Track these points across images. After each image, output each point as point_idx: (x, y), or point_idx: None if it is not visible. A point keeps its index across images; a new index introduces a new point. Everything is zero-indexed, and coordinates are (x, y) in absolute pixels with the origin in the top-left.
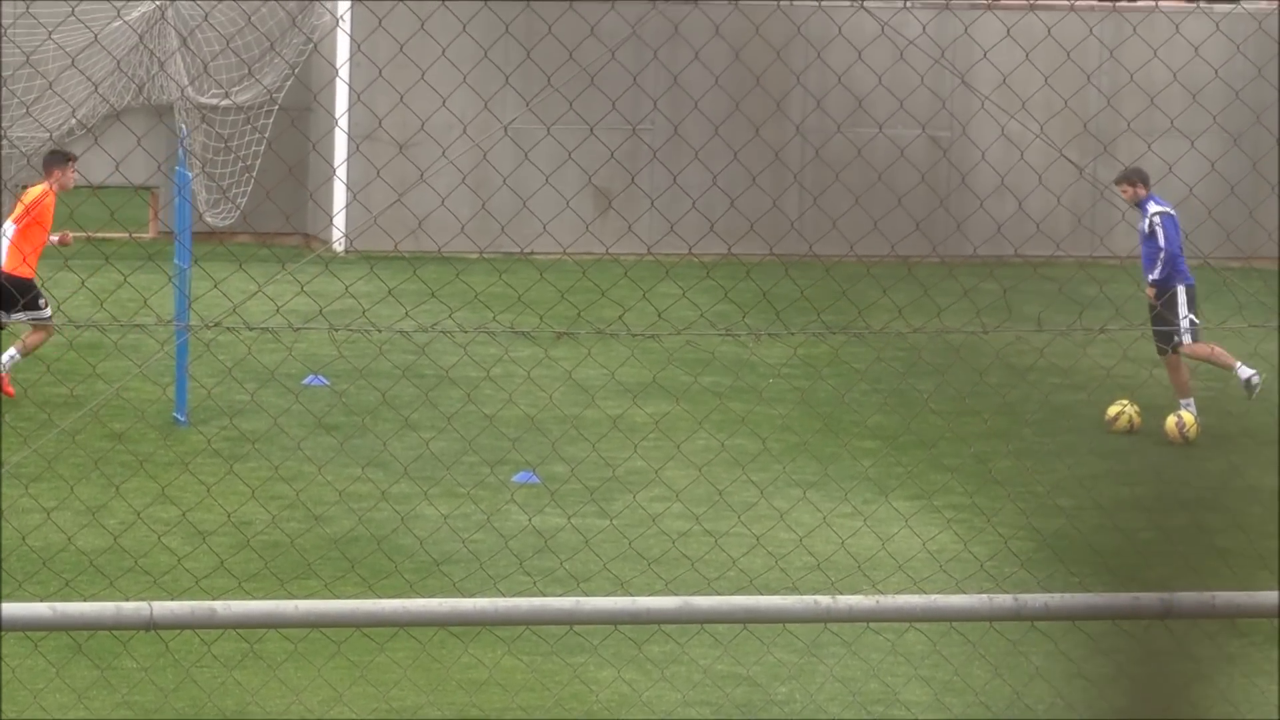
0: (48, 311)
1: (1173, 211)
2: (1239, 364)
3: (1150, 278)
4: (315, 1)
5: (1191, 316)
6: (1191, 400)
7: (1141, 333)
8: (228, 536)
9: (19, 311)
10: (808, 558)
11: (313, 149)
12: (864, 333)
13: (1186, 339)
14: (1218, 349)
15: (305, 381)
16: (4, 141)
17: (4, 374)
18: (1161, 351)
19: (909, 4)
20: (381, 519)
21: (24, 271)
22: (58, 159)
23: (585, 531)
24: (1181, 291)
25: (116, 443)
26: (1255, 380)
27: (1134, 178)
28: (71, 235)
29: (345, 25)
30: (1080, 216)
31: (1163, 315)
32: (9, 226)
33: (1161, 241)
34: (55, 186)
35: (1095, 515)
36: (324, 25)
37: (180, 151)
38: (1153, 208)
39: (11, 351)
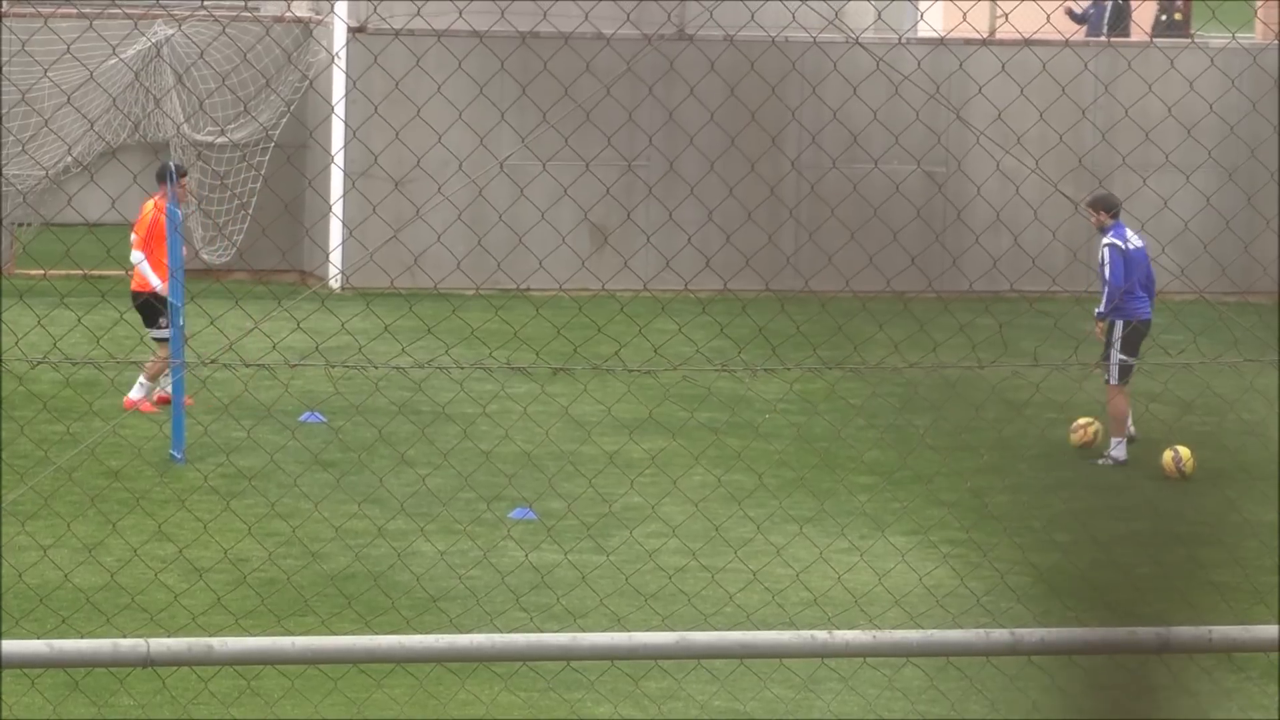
0: (165, 331)
1: (1129, 244)
2: (1121, 441)
3: (1097, 310)
4: (311, 39)
5: (1123, 356)
6: (1123, 441)
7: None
8: (224, 573)
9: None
10: (804, 593)
11: (309, 186)
12: (860, 368)
13: (1112, 377)
14: (1122, 411)
15: (302, 418)
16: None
17: (158, 393)
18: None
19: (905, 40)
20: (378, 555)
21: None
22: (166, 174)
23: (582, 567)
24: (1119, 326)
25: (113, 480)
26: (1115, 459)
27: (1097, 204)
28: None
29: (341, 62)
30: (1076, 251)
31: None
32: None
33: (1107, 274)
34: (165, 200)
35: (1092, 550)
36: (319, 62)
37: (171, 190)
38: (1105, 239)
39: (140, 381)
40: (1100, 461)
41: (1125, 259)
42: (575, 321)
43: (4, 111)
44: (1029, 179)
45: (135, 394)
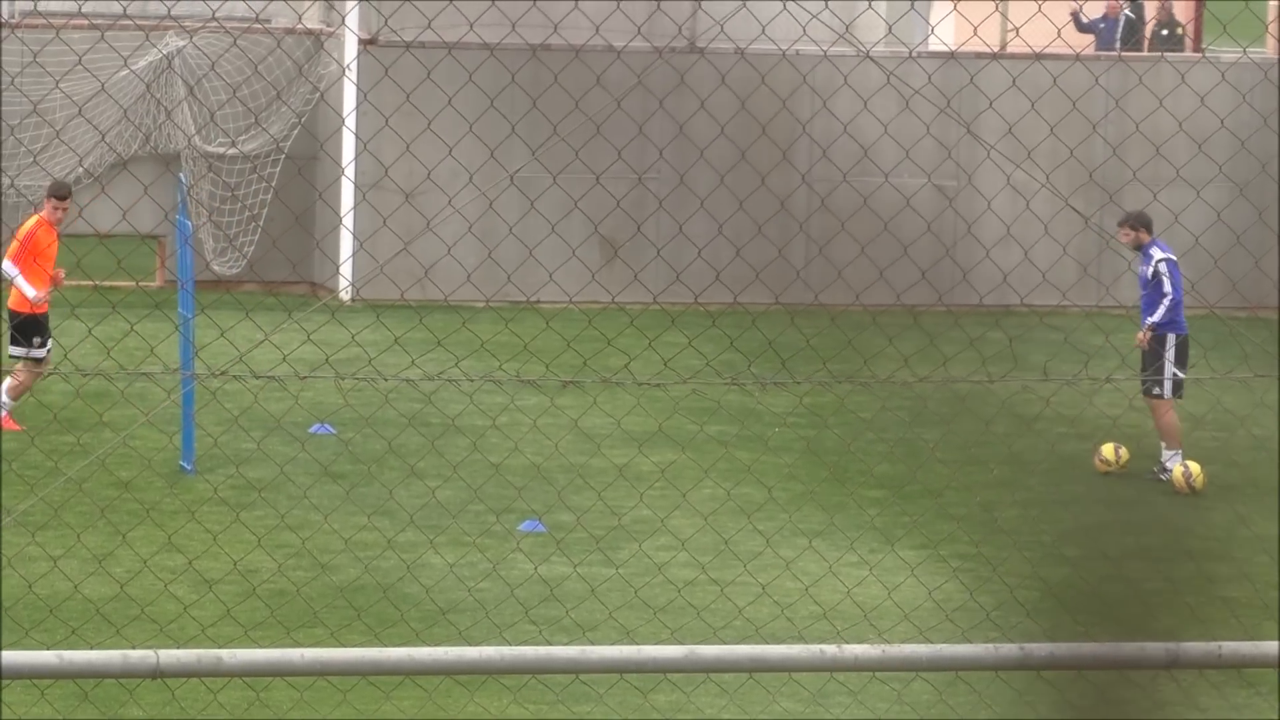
0: (40, 351)
1: (1175, 258)
2: (1176, 453)
3: (1150, 319)
4: (322, 51)
5: (1177, 371)
6: (1178, 452)
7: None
8: (234, 585)
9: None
10: (814, 607)
11: (319, 198)
12: (870, 382)
13: (1166, 391)
14: (1175, 424)
15: (312, 430)
16: (11, 190)
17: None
18: (1146, 394)
19: (915, 53)
20: (387, 567)
21: (25, 306)
22: (61, 189)
23: (591, 580)
24: (1171, 340)
25: (123, 491)
26: (1164, 475)
27: (1136, 222)
28: (62, 272)
29: (352, 74)
30: (1086, 266)
31: (1149, 360)
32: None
33: (1167, 288)
34: (50, 220)
35: (1102, 565)
36: (330, 74)
37: (181, 200)
38: (1157, 254)
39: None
40: (1160, 474)
41: (1179, 273)
42: (585, 334)
43: (16, 123)
44: (1039, 193)
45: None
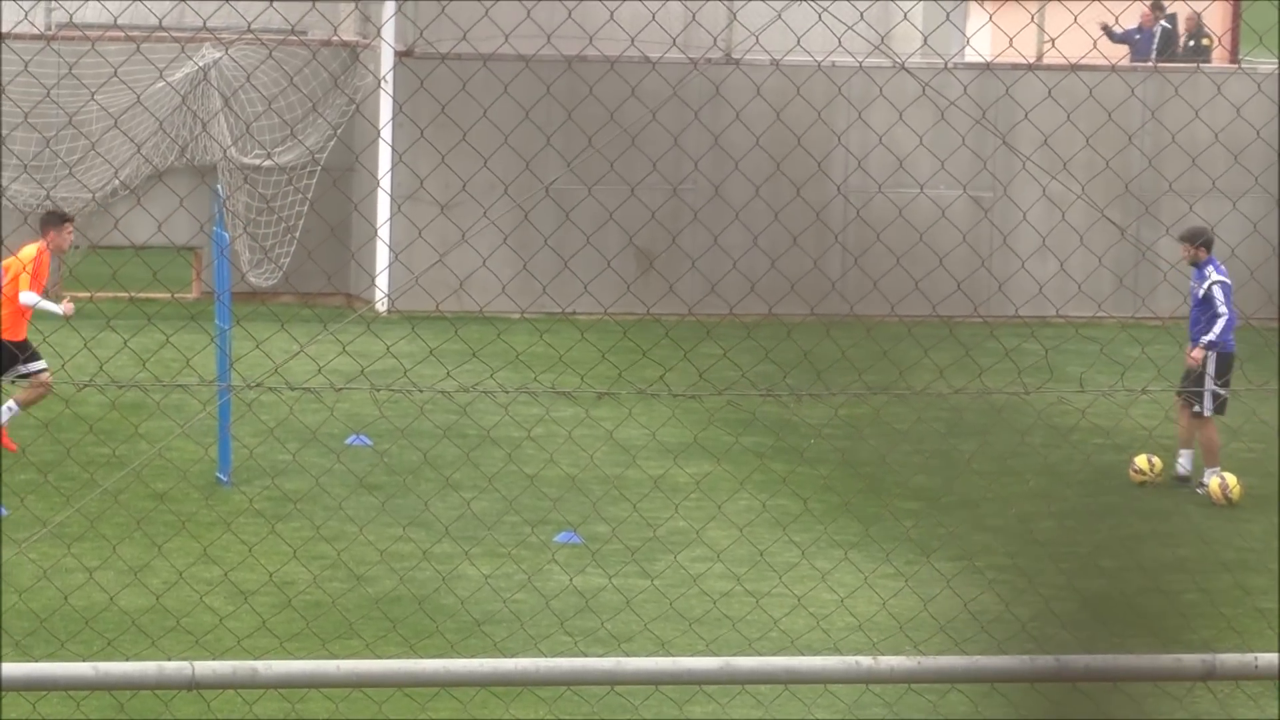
0: (40, 364)
1: (1229, 281)
2: (1215, 470)
3: (1206, 338)
4: (358, 63)
5: (1217, 389)
6: (1217, 469)
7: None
8: (270, 596)
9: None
10: (849, 618)
11: (355, 209)
12: (906, 393)
13: (1207, 408)
14: (1216, 441)
15: (347, 441)
16: (48, 201)
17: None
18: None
19: (951, 65)
20: (423, 579)
21: (15, 335)
22: (53, 220)
23: (627, 592)
24: (1212, 357)
25: (159, 503)
26: (1200, 489)
27: (1198, 239)
28: (73, 306)
29: (387, 86)
30: (1122, 277)
31: (1196, 376)
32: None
33: (1222, 309)
34: (51, 247)
35: (1138, 577)
36: (366, 86)
37: (218, 212)
38: (1211, 274)
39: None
40: (1198, 488)
41: (1229, 290)
42: (620, 345)
43: (53, 135)
44: (1075, 204)
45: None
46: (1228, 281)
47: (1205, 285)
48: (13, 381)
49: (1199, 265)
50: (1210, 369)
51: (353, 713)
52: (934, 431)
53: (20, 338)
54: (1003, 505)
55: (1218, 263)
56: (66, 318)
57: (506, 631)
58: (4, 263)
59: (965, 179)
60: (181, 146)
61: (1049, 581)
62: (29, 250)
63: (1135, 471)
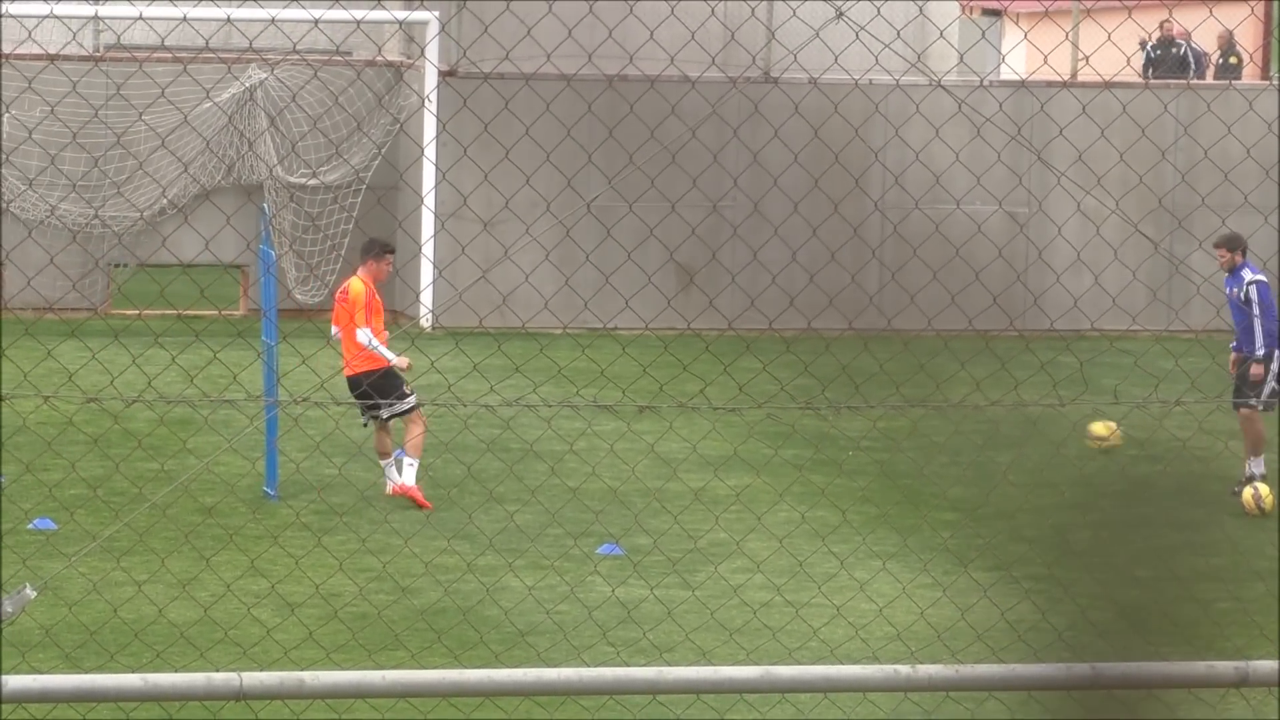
0: (411, 400)
1: (1265, 279)
2: (1259, 459)
3: (1259, 352)
4: (402, 83)
5: (1275, 385)
6: (1261, 459)
7: (1218, 404)
8: (316, 608)
9: (385, 410)
10: (888, 628)
11: (399, 227)
12: (943, 406)
13: (1259, 404)
14: (1262, 435)
15: (393, 455)
16: (96, 220)
17: (410, 487)
18: (1237, 407)
19: (987, 82)
20: (468, 590)
21: (364, 366)
22: (374, 249)
23: (668, 602)
24: (1276, 358)
25: (207, 516)
26: (1237, 489)
27: (1233, 243)
28: (409, 362)
29: (431, 105)
30: (1156, 290)
31: (1245, 377)
32: (334, 331)
33: (1256, 310)
34: (369, 277)
35: (1173, 586)
36: (410, 105)
37: (264, 230)
38: (1248, 275)
39: (403, 459)
40: (1235, 488)
41: (1269, 289)
42: (661, 360)
43: (100, 155)
44: (1109, 219)
45: (409, 477)
46: (1264, 279)
47: (1245, 286)
48: (384, 419)
49: (1235, 269)
50: (1275, 366)
51: None
52: (971, 444)
53: (377, 367)
54: (1039, 516)
55: (1253, 265)
56: (404, 369)
57: (550, 642)
58: (343, 299)
59: (1001, 195)
60: (228, 166)
61: (1085, 591)
62: (357, 286)
63: (1093, 439)
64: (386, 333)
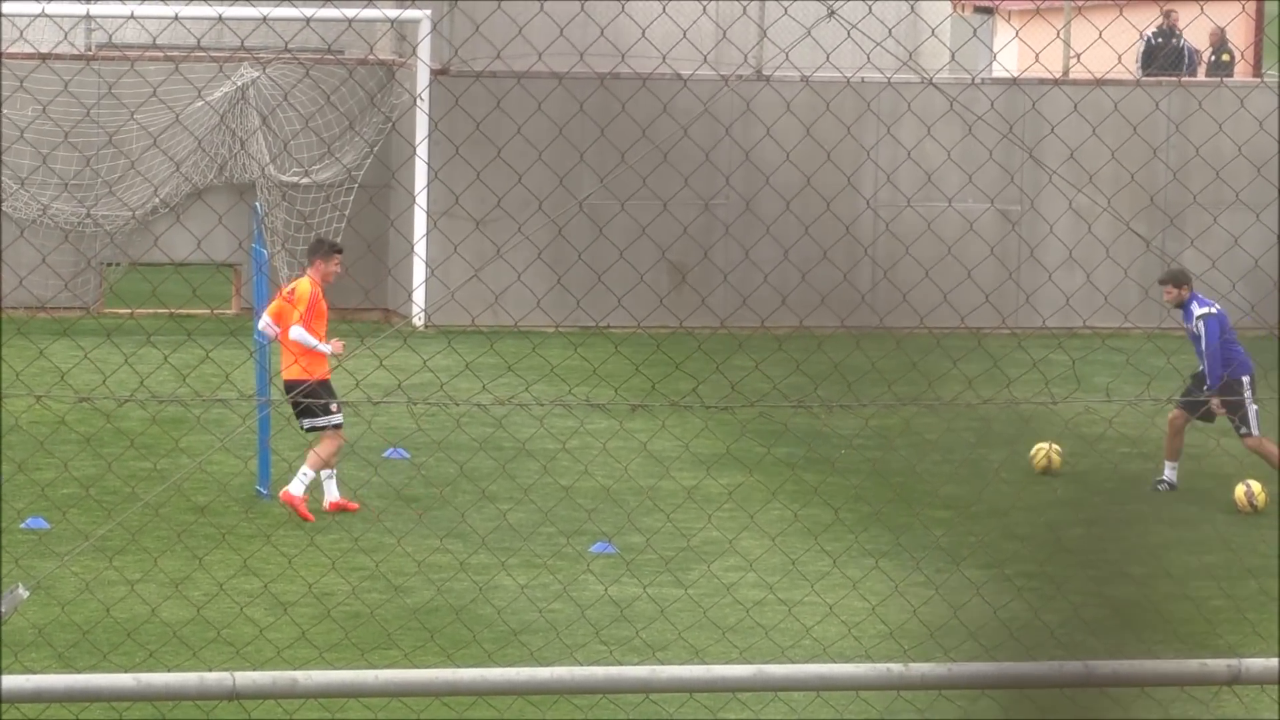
0: (338, 417)
1: (1215, 310)
2: None
3: (1209, 389)
4: (394, 81)
5: (1254, 407)
6: None
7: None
8: (309, 607)
9: (310, 418)
10: (880, 626)
11: (391, 226)
12: (935, 404)
13: (1254, 429)
14: (1275, 452)
15: (385, 454)
16: (88, 219)
17: (297, 496)
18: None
19: (978, 80)
20: (460, 589)
21: (298, 374)
22: (321, 249)
23: (661, 601)
24: (1246, 382)
25: (200, 515)
26: None
27: (1179, 279)
28: (342, 344)
29: (423, 104)
30: (1148, 288)
31: (1232, 406)
32: (262, 322)
33: (1204, 349)
34: (318, 277)
35: (1165, 583)
36: (402, 104)
37: (257, 229)
38: (1197, 309)
39: (304, 470)
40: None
41: (1220, 322)
42: (654, 358)
43: (93, 154)
44: (1101, 217)
45: (296, 488)
46: (1213, 312)
47: (1195, 321)
48: (304, 429)
49: (1184, 304)
50: (1246, 390)
51: None
52: (963, 441)
53: (314, 376)
54: (1031, 514)
55: (1201, 297)
56: (337, 355)
57: (543, 641)
58: (281, 301)
59: (993, 193)
60: (220, 165)
61: (1077, 588)
62: (302, 287)
63: (1040, 458)
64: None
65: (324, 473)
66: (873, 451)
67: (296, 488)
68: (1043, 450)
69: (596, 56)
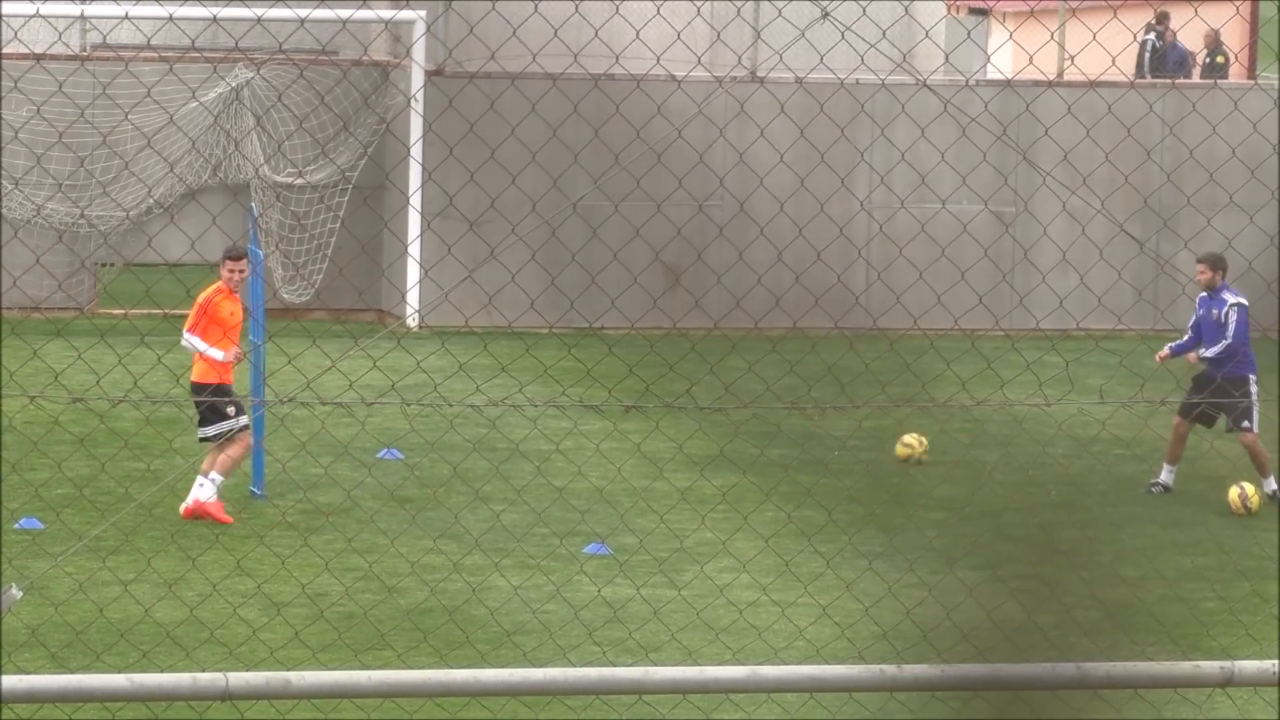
0: (231, 424)
1: (1245, 302)
2: (1271, 476)
3: (1206, 353)
4: (388, 82)
5: (1258, 404)
6: (1272, 478)
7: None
8: (303, 608)
9: (211, 425)
10: (874, 627)
11: (385, 226)
12: (929, 405)
13: (1255, 426)
14: (1266, 453)
15: (379, 455)
16: (82, 220)
17: (206, 502)
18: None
19: (973, 82)
20: (454, 590)
21: (200, 376)
22: (221, 255)
23: (654, 602)
24: (1251, 379)
25: (193, 516)
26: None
27: (1216, 263)
28: (235, 350)
29: (418, 105)
30: (1142, 290)
31: (1230, 395)
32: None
33: (1229, 335)
34: (221, 283)
35: (1159, 585)
36: (397, 105)
37: (251, 230)
38: (1230, 298)
39: (212, 476)
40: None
41: (1248, 313)
42: (648, 359)
43: (87, 154)
44: (1095, 219)
45: (207, 493)
46: (1244, 303)
47: (1226, 309)
48: (205, 440)
49: (1215, 289)
50: (1253, 389)
51: None
52: (957, 443)
53: (216, 380)
54: (1025, 515)
55: (1232, 287)
56: (231, 361)
57: (536, 642)
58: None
59: (987, 194)
60: (214, 165)
61: (1071, 590)
62: (205, 292)
63: (903, 446)
64: (237, 348)
65: (213, 475)
66: (866, 453)
67: (207, 493)
68: (913, 451)
69: (591, 57)
